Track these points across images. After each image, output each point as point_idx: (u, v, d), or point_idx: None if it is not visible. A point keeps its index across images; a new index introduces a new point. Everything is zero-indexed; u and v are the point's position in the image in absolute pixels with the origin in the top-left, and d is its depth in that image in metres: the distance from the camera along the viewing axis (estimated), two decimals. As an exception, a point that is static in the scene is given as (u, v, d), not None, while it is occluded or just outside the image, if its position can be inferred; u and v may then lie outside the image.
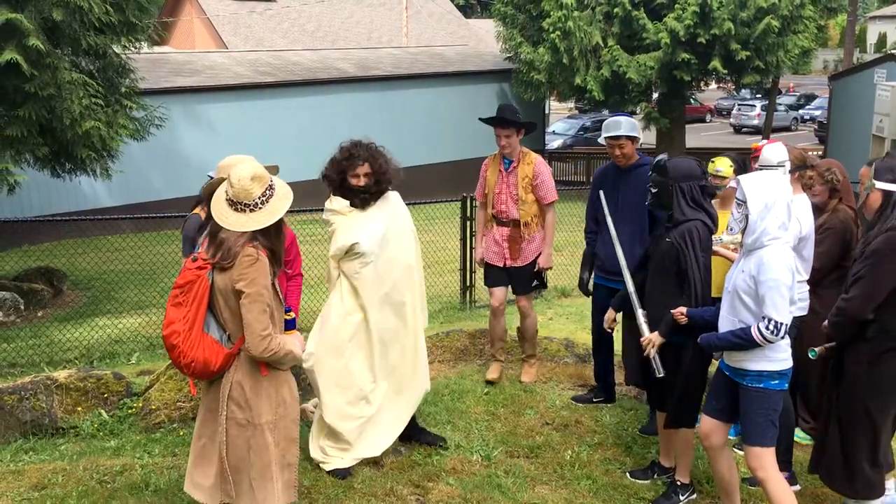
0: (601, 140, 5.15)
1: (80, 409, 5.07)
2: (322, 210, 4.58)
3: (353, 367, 4.43)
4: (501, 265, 5.67)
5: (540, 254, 5.65)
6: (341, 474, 4.42)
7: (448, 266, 9.35)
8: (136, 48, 10.90)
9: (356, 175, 4.41)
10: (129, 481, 4.32)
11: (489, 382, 5.78)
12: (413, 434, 4.78)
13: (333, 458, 4.48)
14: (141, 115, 11.08)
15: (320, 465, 4.49)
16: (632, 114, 27.10)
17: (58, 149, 9.95)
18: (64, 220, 13.33)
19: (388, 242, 4.48)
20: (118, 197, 15.46)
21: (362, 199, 4.43)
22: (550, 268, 5.73)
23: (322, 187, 4.60)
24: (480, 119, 5.99)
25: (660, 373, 4.02)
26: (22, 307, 9.55)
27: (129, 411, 5.13)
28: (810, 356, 4.01)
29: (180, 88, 16.75)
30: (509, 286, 5.80)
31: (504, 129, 5.47)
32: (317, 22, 30.07)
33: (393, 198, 4.57)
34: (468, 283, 8.49)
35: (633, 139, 5.02)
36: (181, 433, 4.90)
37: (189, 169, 16.09)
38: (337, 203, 4.47)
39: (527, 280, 5.69)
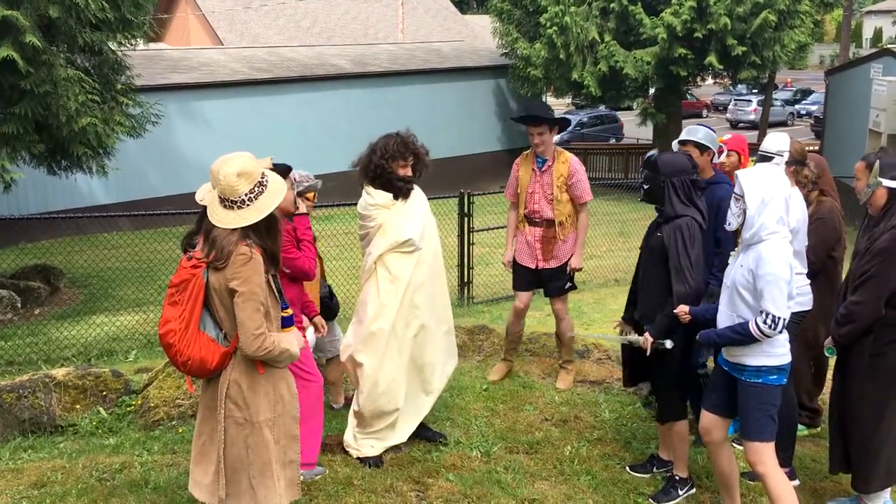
0: (675, 143, 4.85)
1: (78, 406, 5.06)
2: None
3: (389, 359, 4.46)
4: (533, 266, 5.55)
5: (572, 255, 5.51)
6: (373, 462, 4.49)
7: (445, 263, 9.30)
8: (131, 45, 10.86)
9: (406, 165, 4.43)
10: (129, 479, 4.32)
11: (491, 382, 5.76)
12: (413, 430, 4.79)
13: (364, 447, 4.54)
14: (137, 112, 11.07)
15: (349, 452, 4.56)
16: (628, 109, 27.10)
17: (54, 146, 9.94)
18: (61, 217, 13.30)
19: (425, 233, 4.54)
20: (115, 194, 15.44)
21: (406, 189, 4.46)
22: (581, 269, 5.61)
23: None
24: (512, 119, 5.89)
25: (667, 346, 4.00)
26: (19, 305, 9.53)
27: (128, 409, 5.13)
28: (827, 354, 3.98)
29: (176, 85, 16.73)
30: (535, 289, 5.71)
31: (537, 127, 5.30)
32: (312, 18, 30.01)
33: (419, 190, 4.61)
34: (466, 280, 8.48)
35: (700, 148, 4.65)
36: (180, 431, 4.90)
37: (185, 166, 16.08)
38: (380, 196, 4.45)
39: (559, 282, 5.54)
